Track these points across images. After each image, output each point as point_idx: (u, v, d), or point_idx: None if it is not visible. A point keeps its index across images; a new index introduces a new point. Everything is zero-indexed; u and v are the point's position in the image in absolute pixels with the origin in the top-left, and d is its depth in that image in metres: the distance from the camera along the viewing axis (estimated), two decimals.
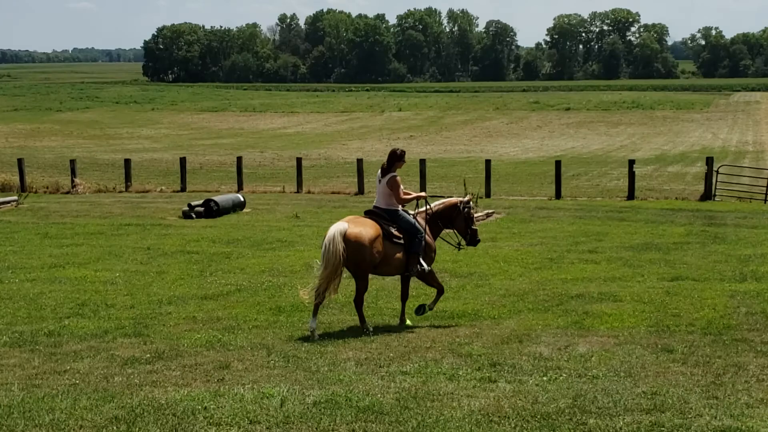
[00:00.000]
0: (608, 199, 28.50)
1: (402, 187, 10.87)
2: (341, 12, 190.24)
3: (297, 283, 13.73)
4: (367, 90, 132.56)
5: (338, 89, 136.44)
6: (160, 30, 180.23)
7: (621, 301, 12.15)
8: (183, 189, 31.41)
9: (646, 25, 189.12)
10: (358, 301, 10.55)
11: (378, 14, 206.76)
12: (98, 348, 9.72)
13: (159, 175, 38.57)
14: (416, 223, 10.77)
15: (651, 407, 7.38)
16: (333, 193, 30.80)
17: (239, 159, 32.65)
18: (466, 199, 11.28)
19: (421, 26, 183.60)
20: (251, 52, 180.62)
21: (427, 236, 10.89)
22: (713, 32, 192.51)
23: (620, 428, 6.82)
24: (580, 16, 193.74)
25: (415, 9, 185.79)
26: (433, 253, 11.08)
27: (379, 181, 10.85)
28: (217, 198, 24.86)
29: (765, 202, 27.80)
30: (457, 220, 11.15)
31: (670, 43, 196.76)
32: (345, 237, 10.22)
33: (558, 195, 28.59)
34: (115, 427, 6.86)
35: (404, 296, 11.15)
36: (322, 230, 20.59)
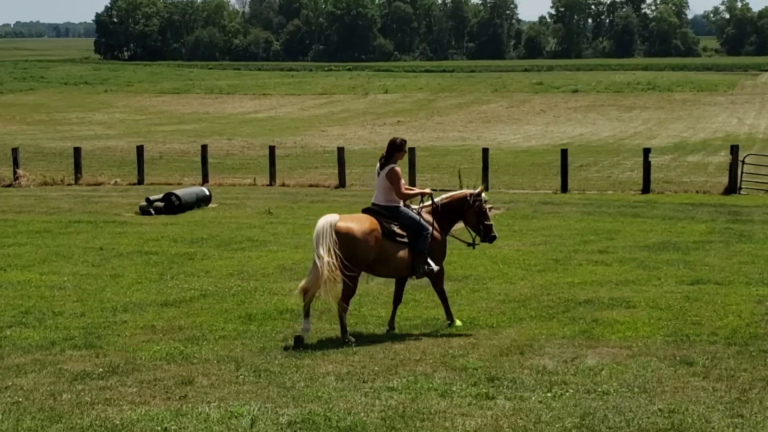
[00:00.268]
0: (620, 193, 28.60)
1: (403, 180, 10.96)
2: None
3: (270, 287, 13.72)
4: (349, 69, 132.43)
5: (316, 68, 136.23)
6: (114, 1, 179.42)
7: (635, 308, 12.20)
8: (140, 181, 31.32)
9: None
10: (342, 307, 10.57)
11: None
12: (44, 361, 9.68)
13: (113, 165, 38.46)
14: (421, 219, 10.88)
15: (668, 427, 7.41)
16: (310, 186, 30.78)
17: (204, 147, 32.58)
18: (476, 191, 11.40)
19: None
20: (217, 26, 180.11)
21: (434, 233, 11.00)
22: (739, 4, 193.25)
23: None
24: None
25: None
26: (443, 253, 11.21)
27: (378, 174, 10.98)
28: (179, 191, 24.79)
29: None
30: (467, 214, 11.28)
31: (690, 16, 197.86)
32: (335, 229, 10.35)
33: (564, 188, 28.67)
34: None
35: (397, 300, 11.25)
36: (297, 228, 20.66)
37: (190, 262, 16.21)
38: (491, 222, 11.44)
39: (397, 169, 10.90)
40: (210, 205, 25.01)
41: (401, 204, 10.96)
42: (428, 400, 8.19)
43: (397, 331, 11.10)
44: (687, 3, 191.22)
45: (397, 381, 8.81)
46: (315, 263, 10.38)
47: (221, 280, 14.49)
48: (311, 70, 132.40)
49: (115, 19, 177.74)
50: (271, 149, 32.01)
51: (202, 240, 18.72)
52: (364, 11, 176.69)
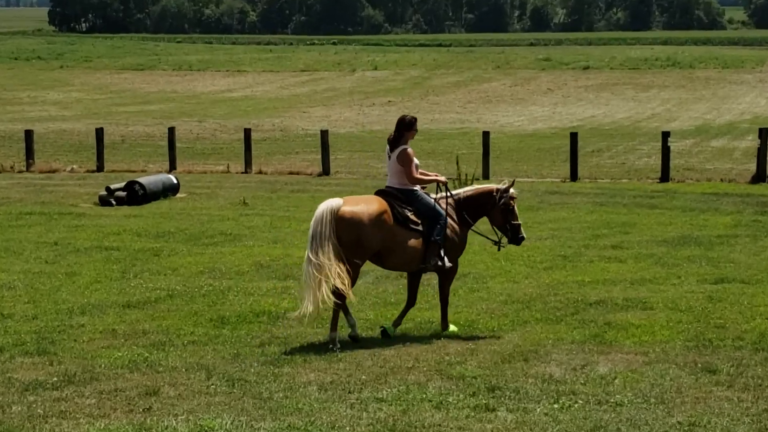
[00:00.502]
0: (636, 182, 28.66)
1: (417, 161, 11.08)
2: None
3: (245, 287, 13.71)
4: (334, 44, 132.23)
5: (297, 42, 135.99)
6: None
7: (652, 309, 12.24)
8: (100, 168, 31.22)
9: None
10: (341, 297, 10.60)
11: None
12: None
13: (69, 150, 38.35)
14: (437, 206, 11.02)
15: None
16: (290, 173, 30.74)
17: (171, 130, 32.51)
18: (504, 186, 11.49)
19: None
20: None
21: (451, 228, 11.12)
22: None
23: None
24: None
25: None
26: (460, 250, 11.35)
27: (389, 156, 11.15)
28: (143, 180, 24.73)
29: None
30: (493, 212, 11.40)
31: None
32: (338, 215, 10.49)
33: (574, 176, 28.72)
34: None
35: (410, 301, 11.39)
36: (276, 220, 20.66)
37: (155, 258, 16.19)
38: (519, 221, 11.55)
39: (409, 150, 11.04)
40: (178, 195, 24.96)
41: (418, 187, 11.10)
42: (421, 413, 8.20)
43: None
44: None
45: (386, 391, 8.82)
46: (307, 262, 10.42)
47: (190, 278, 14.48)
48: (291, 44, 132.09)
49: None
50: (247, 132, 31.96)
51: (169, 234, 18.69)
52: None
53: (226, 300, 12.98)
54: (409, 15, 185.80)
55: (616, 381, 9.14)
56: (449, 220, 11.16)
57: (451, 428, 7.86)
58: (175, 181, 25.34)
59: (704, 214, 21.77)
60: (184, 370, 9.60)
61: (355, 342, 10.74)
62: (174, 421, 7.95)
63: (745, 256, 16.26)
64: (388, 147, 11.20)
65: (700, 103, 63.05)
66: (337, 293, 10.53)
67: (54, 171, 30.96)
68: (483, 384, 9.02)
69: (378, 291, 12.76)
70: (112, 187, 24.16)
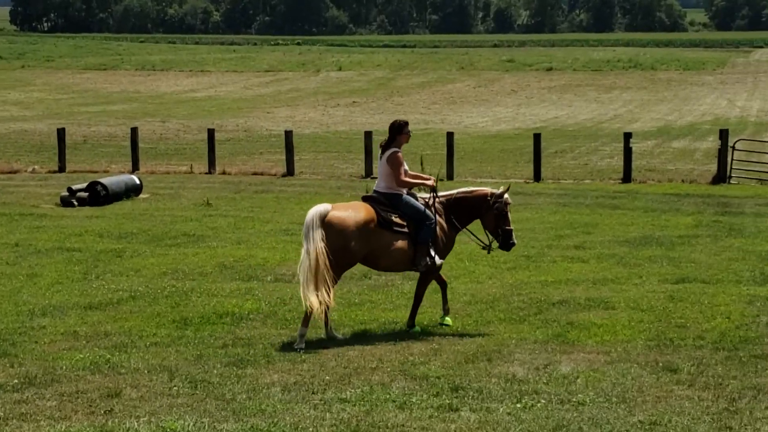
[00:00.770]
0: (599, 182, 28.84)
1: (406, 166, 11.23)
2: None
3: (209, 288, 13.66)
4: (298, 44, 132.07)
5: (261, 42, 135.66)
6: None
7: (614, 309, 12.32)
8: (61, 169, 31.01)
9: None
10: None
11: None
12: None
13: (31, 150, 38.06)
14: (424, 209, 11.17)
15: None
16: (254, 174, 30.67)
17: (134, 130, 32.34)
18: (499, 191, 11.60)
19: None
20: None
21: (442, 226, 11.30)
22: None
23: None
24: None
25: None
26: (447, 250, 11.54)
27: (380, 158, 11.30)
28: (106, 180, 24.58)
29: None
30: (486, 216, 11.52)
31: None
32: (325, 221, 10.65)
33: (537, 177, 28.85)
34: None
35: (441, 283, 11.63)
36: (239, 221, 20.60)
37: (117, 259, 16.09)
38: (512, 227, 11.63)
39: (399, 153, 11.20)
40: (141, 196, 24.84)
41: (404, 192, 11.22)
42: (385, 413, 8.21)
43: (349, 335, 11.12)
44: None
45: (350, 392, 8.82)
46: (303, 262, 10.63)
47: (153, 279, 14.40)
48: (255, 44, 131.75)
49: None
50: (211, 133, 31.84)
51: (131, 235, 18.59)
52: None
53: (189, 301, 12.92)
54: (373, 16, 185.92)
55: (579, 380, 9.19)
56: (438, 218, 11.32)
57: (415, 428, 7.87)
58: (137, 182, 25.22)
59: (665, 214, 21.94)
60: (146, 371, 9.55)
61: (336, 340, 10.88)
62: (136, 423, 7.91)
63: (706, 256, 16.41)
64: (380, 151, 11.35)
65: (662, 105, 63.54)
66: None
67: (15, 171, 30.70)
68: (446, 384, 9.04)
69: (342, 292, 12.74)
70: (74, 187, 24.00)
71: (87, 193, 23.72)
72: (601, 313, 12.10)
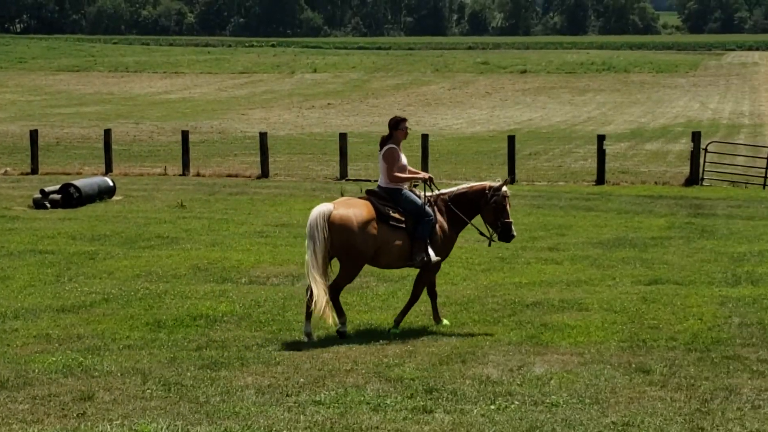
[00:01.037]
0: (573, 184, 28.95)
1: (402, 162, 11.36)
2: None
3: (182, 290, 13.61)
4: (273, 46, 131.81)
5: (236, 44, 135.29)
6: None
7: (587, 311, 12.36)
8: (34, 171, 30.84)
9: None
10: (335, 291, 11.04)
11: None
12: None
13: (3, 152, 37.83)
14: (423, 205, 11.30)
15: None
16: (229, 176, 30.61)
17: (107, 132, 32.20)
18: (497, 184, 11.69)
19: None
20: None
21: (442, 225, 11.42)
22: None
23: None
24: None
25: None
26: (447, 248, 11.66)
27: (379, 155, 11.52)
28: (79, 182, 24.47)
29: (764, 188, 28.55)
30: (485, 209, 11.64)
31: None
32: (329, 220, 10.82)
33: (511, 179, 28.94)
34: None
35: (432, 294, 11.74)
36: (214, 223, 20.54)
37: (90, 262, 16.01)
38: (511, 220, 11.72)
39: (394, 149, 11.35)
40: (114, 198, 24.74)
41: (405, 187, 11.37)
42: (359, 415, 8.20)
43: (324, 338, 11.11)
44: None
45: (324, 394, 8.81)
46: (308, 262, 10.87)
47: (126, 282, 14.34)
48: (230, 46, 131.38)
49: None
50: (185, 135, 31.73)
51: (104, 237, 18.50)
52: None
53: (163, 304, 12.87)
54: (348, 18, 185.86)
55: (552, 382, 9.21)
56: (438, 216, 11.45)
57: (389, 430, 7.87)
58: (111, 184, 25.12)
59: (639, 216, 22.06)
60: (119, 374, 9.51)
61: (342, 337, 11.05)
62: (109, 427, 7.87)
63: (679, 258, 16.50)
64: (379, 147, 11.54)
65: (635, 107, 63.85)
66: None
67: None
68: (421, 386, 9.05)
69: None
70: (47, 189, 23.89)
71: (60, 195, 23.61)
72: (575, 314, 12.15)
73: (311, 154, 38.17)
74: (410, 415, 8.22)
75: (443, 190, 11.74)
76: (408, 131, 11.59)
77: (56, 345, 10.81)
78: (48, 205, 23.28)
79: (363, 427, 7.93)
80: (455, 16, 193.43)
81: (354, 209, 11.05)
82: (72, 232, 19.00)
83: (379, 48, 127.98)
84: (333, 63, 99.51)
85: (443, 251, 11.62)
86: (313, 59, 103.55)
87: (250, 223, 20.48)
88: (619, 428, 7.91)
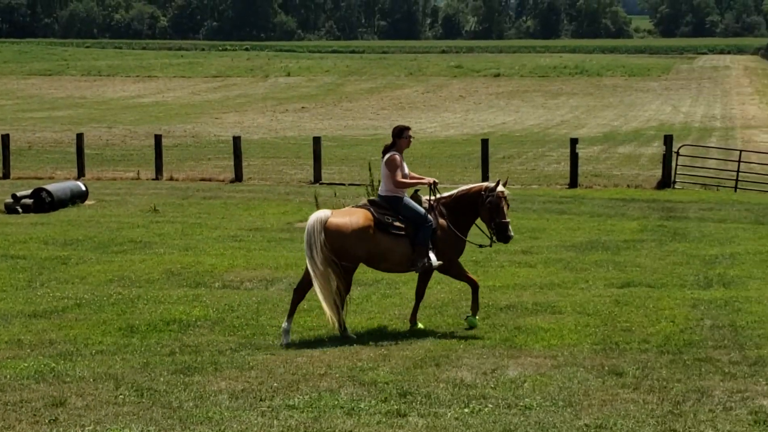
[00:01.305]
0: (546, 187, 29.06)
1: (404, 169, 11.45)
2: None
3: (155, 295, 13.55)
4: (247, 49, 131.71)
5: (209, 48, 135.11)
6: None
7: (560, 314, 12.40)
8: (5, 175, 30.68)
9: None
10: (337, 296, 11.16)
11: None
12: None
13: None
14: (424, 212, 11.39)
15: None
16: (202, 180, 30.53)
17: (80, 136, 32.06)
18: (492, 184, 11.73)
19: None
20: None
21: (441, 228, 11.51)
22: None
23: None
24: None
25: None
26: (455, 251, 11.74)
27: (382, 163, 11.58)
28: (51, 187, 24.35)
29: (735, 191, 28.77)
30: (481, 210, 11.72)
31: None
32: (326, 226, 10.98)
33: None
34: None
35: (419, 295, 11.82)
36: (187, 227, 20.46)
37: (63, 267, 15.92)
38: (507, 220, 11.72)
39: (397, 156, 11.44)
40: (87, 202, 24.62)
41: (405, 195, 11.46)
42: (333, 419, 8.19)
43: (298, 341, 11.11)
44: None
45: (298, 398, 8.80)
46: (308, 267, 11.03)
47: (99, 287, 14.27)
48: (203, 50, 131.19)
49: None
50: (158, 139, 31.63)
51: (77, 242, 18.40)
52: None
53: (136, 308, 12.81)
54: (322, 21, 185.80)
55: (526, 384, 9.24)
56: (441, 220, 11.52)
57: None
58: (83, 188, 25.00)
59: (611, 219, 22.16)
60: (91, 380, 9.45)
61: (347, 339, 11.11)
62: None
63: (651, 261, 16.58)
64: (381, 155, 11.61)
65: (608, 111, 64.19)
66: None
67: None
68: (395, 389, 9.05)
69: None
70: (19, 194, 23.76)
71: (32, 200, 23.48)
72: (548, 317, 12.18)
73: (285, 158, 38.12)
74: (384, 419, 8.22)
75: (444, 194, 11.81)
76: (411, 140, 11.68)
77: (28, 350, 10.74)
78: (20, 210, 23.15)
79: (337, 431, 7.92)
80: (429, 20, 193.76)
81: (351, 217, 11.20)
82: (44, 237, 18.89)
83: (353, 52, 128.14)
84: (307, 67, 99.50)
85: (453, 252, 11.69)
86: (286, 63, 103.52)
87: (223, 228, 20.43)
88: (592, 431, 7.94)
